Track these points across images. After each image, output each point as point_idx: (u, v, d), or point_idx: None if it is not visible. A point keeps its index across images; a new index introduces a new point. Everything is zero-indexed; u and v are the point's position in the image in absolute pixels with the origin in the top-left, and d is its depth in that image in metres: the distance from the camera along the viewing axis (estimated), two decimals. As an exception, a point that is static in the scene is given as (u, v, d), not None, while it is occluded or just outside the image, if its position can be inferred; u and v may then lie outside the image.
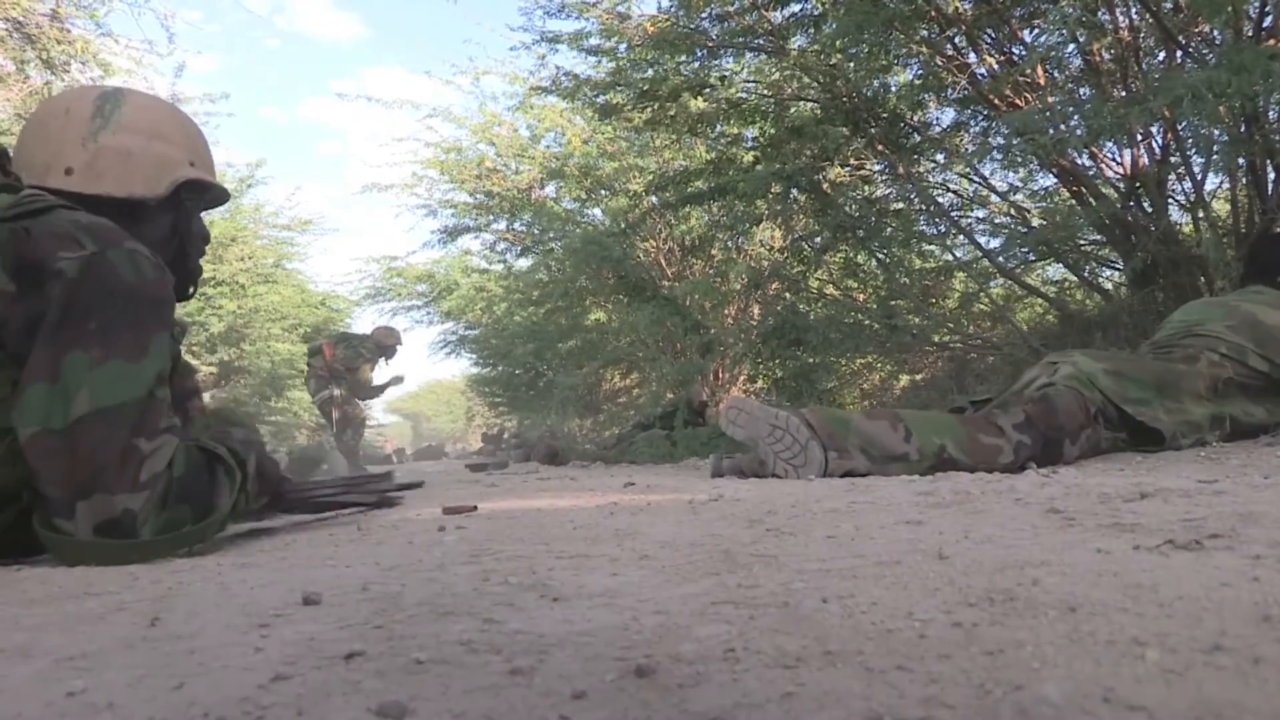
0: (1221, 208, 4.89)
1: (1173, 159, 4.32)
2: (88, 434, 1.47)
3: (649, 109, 5.64)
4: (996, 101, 4.66)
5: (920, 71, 5.09)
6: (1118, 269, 5.19)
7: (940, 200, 5.57)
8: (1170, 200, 4.55)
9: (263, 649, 0.80)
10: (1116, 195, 4.56)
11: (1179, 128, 3.99)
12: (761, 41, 5.20)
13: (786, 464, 2.64)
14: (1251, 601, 0.76)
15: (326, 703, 0.64)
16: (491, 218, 10.49)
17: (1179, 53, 4.14)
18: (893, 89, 5.27)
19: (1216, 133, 3.71)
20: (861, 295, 6.10)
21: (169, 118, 1.90)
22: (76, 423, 1.46)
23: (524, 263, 11.19)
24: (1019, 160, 5.05)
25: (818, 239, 5.95)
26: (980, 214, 5.82)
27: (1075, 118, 3.72)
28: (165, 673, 0.73)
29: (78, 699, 0.67)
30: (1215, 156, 3.90)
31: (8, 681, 0.74)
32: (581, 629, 0.82)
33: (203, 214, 2.07)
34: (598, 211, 9.69)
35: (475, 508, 2.17)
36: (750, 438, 2.76)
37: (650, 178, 7.06)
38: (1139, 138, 4.34)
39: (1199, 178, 4.24)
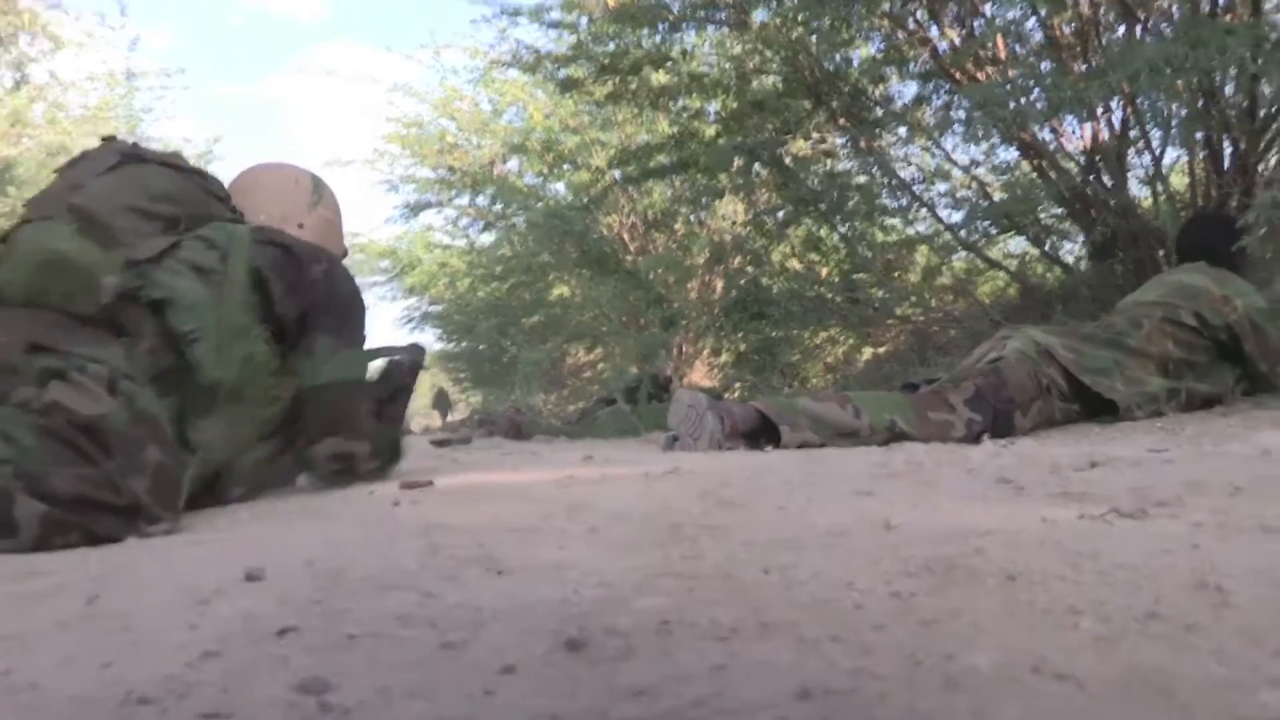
0: (1180, 181, 4.92)
1: (1132, 133, 4.34)
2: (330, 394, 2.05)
3: (610, 83, 5.59)
4: (958, 75, 4.66)
5: (882, 45, 5.07)
6: (1078, 242, 5.22)
7: (902, 174, 5.56)
8: (1130, 174, 4.57)
9: (198, 626, 0.78)
10: (1077, 169, 4.58)
11: (1138, 102, 4.01)
12: (723, 15, 5.16)
13: (687, 437, 2.65)
14: (1189, 569, 0.77)
15: (252, 679, 0.63)
16: (454, 193, 10.37)
17: (1138, 27, 4.15)
18: (855, 63, 5.25)
19: (1175, 107, 3.74)
20: (824, 269, 6.10)
21: (337, 201, 2.54)
22: (322, 387, 2.03)
23: (487, 238, 11.10)
24: (980, 134, 5.05)
25: (780, 213, 5.94)
26: (942, 188, 5.83)
27: (1036, 91, 3.73)
28: (96, 652, 0.72)
29: (0, 680, 0.66)
30: (1173, 131, 3.93)
31: (-69, 663, 0.72)
32: (522, 601, 0.81)
33: None
34: (560, 186, 9.62)
35: (431, 483, 2.16)
36: (677, 425, 2.78)
37: (612, 152, 6.99)
38: (1099, 112, 4.35)
39: (1158, 152, 4.26)
